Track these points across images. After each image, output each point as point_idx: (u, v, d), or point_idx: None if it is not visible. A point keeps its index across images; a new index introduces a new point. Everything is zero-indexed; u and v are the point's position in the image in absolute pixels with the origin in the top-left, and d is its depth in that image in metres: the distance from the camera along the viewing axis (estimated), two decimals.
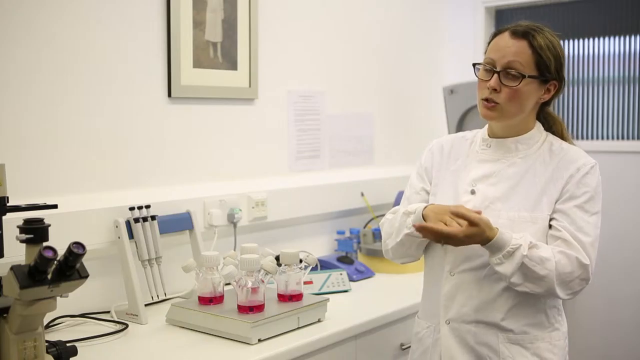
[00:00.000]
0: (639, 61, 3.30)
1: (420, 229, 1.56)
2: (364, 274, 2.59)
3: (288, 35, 2.73)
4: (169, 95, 2.30)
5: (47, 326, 1.90)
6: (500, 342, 1.66)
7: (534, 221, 1.63)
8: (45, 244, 1.38)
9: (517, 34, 1.65)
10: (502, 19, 3.65)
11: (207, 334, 1.87)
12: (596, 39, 3.40)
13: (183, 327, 1.93)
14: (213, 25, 2.42)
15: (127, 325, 1.94)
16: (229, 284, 1.94)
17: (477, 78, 1.71)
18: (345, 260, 2.61)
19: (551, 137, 1.75)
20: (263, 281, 1.88)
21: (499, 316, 1.65)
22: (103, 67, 2.12)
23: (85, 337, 1.81)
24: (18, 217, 1.49)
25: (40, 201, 1.64)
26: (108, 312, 2.05)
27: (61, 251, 1.36)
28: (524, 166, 1.70)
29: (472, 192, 1.72)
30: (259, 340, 1.81)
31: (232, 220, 2.44)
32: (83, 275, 1.41)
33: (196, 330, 1.90)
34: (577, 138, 3.48)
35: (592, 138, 3.46)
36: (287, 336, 1.87)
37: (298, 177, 2.79)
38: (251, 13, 2.54)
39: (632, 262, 3.31)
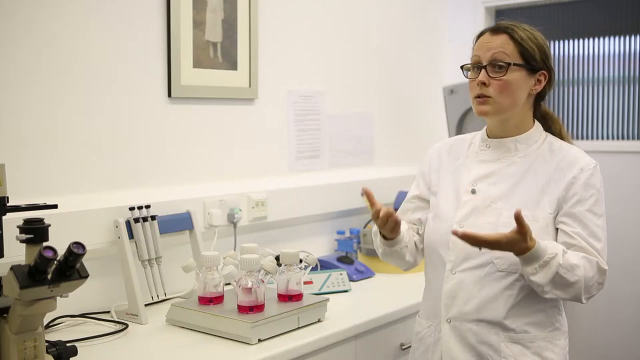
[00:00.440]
0: (639, 61, 3.31)
1: (463, 237, 1.53)
2: (364, 274, 2.59)
3: (288, 35, 2.73)
4: (169, 95, 2.30)
5: (47, 326, 1.90)
6: (501, 341, 1.66)
7: (535, 219, 1.64)
8: (45, 244, 1.38)
9: (498, 30, 1.71)
10: (502, 19, 3.64)
11: (207, 334, 1.87)
12: (596, 39, 3.40)
13: (183, 327, 1.93)
14: (213, 25, 2.42)
15: (127, 325, 1.94)
16: (229, 284, 1.94)
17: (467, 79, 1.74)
18: (345, 260, 2.61)
19: (551, 137, 1.75)
20: (263, 281, 1.88)
21: (500, 315, 1.66)
22: (103, 67, 2.12)
23: (85, 337, 1.81)
24: (18, 217, 1.49)
25: (40, 201, 1.64)
26: (108, 312, 2.05)
27: (61, 251, 1.36)
28: (524, 165, 1.71)
29: (473, 192, 1.72)
30: (259, 340, 1.81)
31: (232, 220, 2.44)
32: (83, 275, 1.41)
33: (196, 330, 1.90)
34: (577, 138, 3.49)
35: (592, 138, 3.46)
36: (287, 336, 1.87)
37: (298, 177, 2.79)
38: (251, 13, 2.54)
39: (632, 262, 3.31)
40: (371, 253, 2.71)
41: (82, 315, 2.01)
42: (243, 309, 1.85)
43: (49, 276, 1.36)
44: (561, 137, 1.77)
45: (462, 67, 1.76)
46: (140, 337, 1.88)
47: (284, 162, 2.74)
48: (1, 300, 1.43)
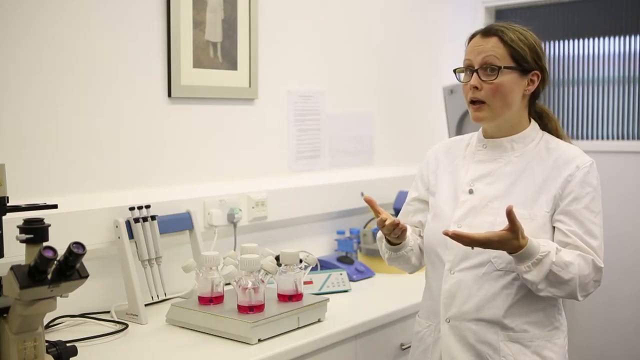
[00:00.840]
0: (639, 61, 3.31)
1: (455, 237, 1.55)
2: (364, 274, 2.59)
3: (288, 35, 2.73)
4: (169, 95, 2.30)
5: (47, 326, 1.90)
6: (501, 340, 1.66)
7: (533, 218, 1.64)
8: (45, 244, 1.38)
9: (488, 33, 1.71)
10: (502, 19, 3.64)
11: (207, 334, 1.87)
12: (596, 39, 3.40)
13: (183, 327, 1.93)
14: (213, 25, 2.42)
15: (127, 325, 1.94)
16: (229, 284, 1.94)
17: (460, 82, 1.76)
18: (345, 260, 2.61)
19: (547, 135, 1.76)
20: (263, 281, 1.88)
21: (499, 314, 1.66)
22: (103, 67, 2.12)
23: (85, 337, 1.81)
24: (18, 217, 1.49)
25: (40, 201, 1.64)
26: (108, 312, 2.05)
27: (61, 251, 1.36)
28: (520, 164, 1.71)
29: (470, 192, 1.73)
30: (259, 340, 1.81)
31: (232, 220, 2.44)
32: (83, 275, 1.41)
33: (196, 330, 1.90)
34: (577, 138, 3.49)
35: (592, 138, 3.46)
36: (287, 336, 1.87)
37: (298, 177, 2.79)
38: (251, 13, 2.54)
39: (632, 262, 3.31)
40: (371, 253, 2.71)
41: (82, 315, 2.01)
42: (243, 309, 1.85)
43: (49, 276, 1.36)
44: (557, 135, 1.78)
45: (454, 71, 1.77)
46: (140, 337, 1.88)
47: (284, 162, 2.74)
48: (1, 300, 1.43)
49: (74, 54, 2.05)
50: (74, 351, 1.55)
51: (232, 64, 2.50)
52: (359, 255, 2.80)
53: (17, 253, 1.50)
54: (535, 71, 1.70)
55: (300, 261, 2.04)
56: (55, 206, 1.60)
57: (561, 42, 3.50)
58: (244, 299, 1.85)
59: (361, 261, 2.70)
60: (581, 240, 1.61)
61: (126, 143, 2.20)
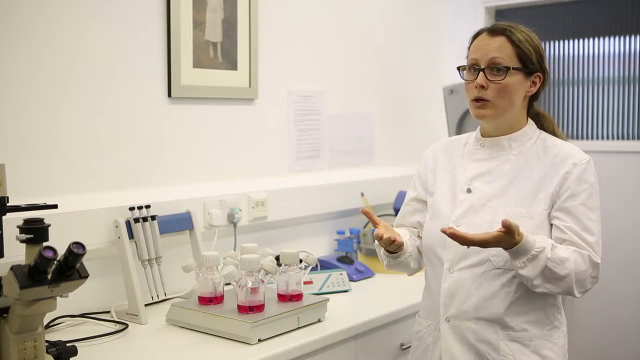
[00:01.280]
0: (639, 61, 3.31)
1: (452, 236, 1.55)
2: (364, 274, 2.59)
3: (288, 35, 2.73)
4: (169, 95, 2.30)
5: (47, 326, 1.90)
6: (500, 340, 1.67)
7: (531, 216, 1.65)
8: (45, 244, 1.38)
9: (496, 32, 1.70)
10: (502, 19, 3.63)
11: (207, 334, 1.87)
12: (596, 39, 3.40)
13: (183, 327, 1.93)
14: (213, 25, 2.42)
15: (127, 325, 1.94)
16: (229, 284, 1.94)
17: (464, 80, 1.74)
18: (345, 260, 2.61)
19: (544, 134, 1.77)
20: (263, 281, 1.88)
21: (499, 312, 1.66)
22: (103, 67, 2.12)
23: (85, 337, 1.81)
24: (18, 217, 1.49)
25: (40, 201, 1.64)
26: (108, 312, 2.05)
27: (61, 251, 1.36)
28: (518, 163, 1.72)
29: (469, 191, 1.73)
30: (259, 340, 1.81)
31: (232, 220, 2.44)
32: (83, 275, 1.41)
33: (196, 330, 1.90)
34: (577, 138, 3.49)
35: (592, 138, 3.46)
36: (287, 336, 1.87)
37: (298, 177, 2.79)
38: (251, 13, 2.54)
39: (632, 262, 3.31)
40: (371, 253, 2.71)
41: (82, 315, 2.01)
42: (243, 309, 1.85)
43: (49, 276, 1.36)
44: (554, 134, 1.78)
45: (458, 68, 1.76)
46: (140, 337, 1.88)
47: (284, 162, 2.74)
48: (1, 300, 1.43)
49: (74, 54, 2.05)
50: (74, 351, 1.55)
51: (232, 64, 2.50)
52: (359, 255, 2.80)
53: (17, 253, 1.50)
54: (538, 73, 1.71)
55: (300, 261, 2.04)
56: (55, 206, 1.60)
57: (561, 42, 3.50)
58: (244, 299, 1.85)
59: (361, 261, 2.70)
60: (577, 236, 1.61)
61: (126, 143, 2.20)
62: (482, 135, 1.78)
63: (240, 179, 2.56)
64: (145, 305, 2.05)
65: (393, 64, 3.28)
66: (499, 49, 1.67)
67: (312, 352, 1.87)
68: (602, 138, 3.43)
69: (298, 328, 1.92)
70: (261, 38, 2.60)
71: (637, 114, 3.34)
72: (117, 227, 2.05)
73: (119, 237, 2.05)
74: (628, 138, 3.37)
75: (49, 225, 1.46)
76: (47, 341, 1.50)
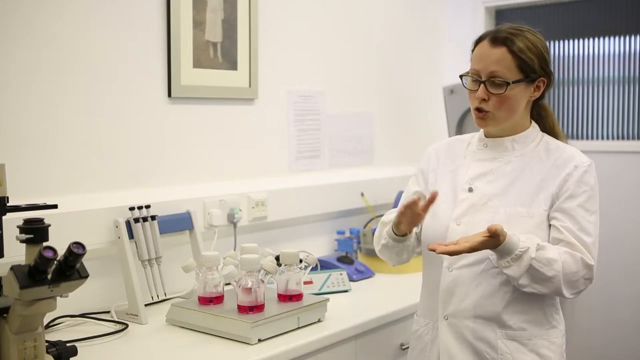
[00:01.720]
0: (639, 61, 3.31)
1: (441, 254, 1.59)
2: (364, 274, 2.59)
3: (288, 35, 2.73)
4: (169, 95, 2.30)
5: (47, 326, 1.90)
6: (498, 338, 1.67)
7: (531, 216, 1.66)
8: (45, 244, 1.38)
9: (496, 41, 1.66)
10: (502, 19, 3.65)
11: (207, 334, 1.87)
12: (596, 39, 3.40)
13: (183, 327, 1.93)
14: (213, 25, 2.42)
15: (127, 325, 1.94)
16: (229, 284, 1.94)
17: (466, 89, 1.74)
18: (345, 260, 2.61)
19: (547, 137, 1.77)
20: (263, 281, 1.88)
21: (497, 310, 1.67)
22: (103, 67, 2.12)
23: (85, 337, 1.81)
24: (18, 217, 1.49)
25: (40, 201, 1.64)
26: (108, 312, 2.05)
27: (61, 251, 1.36)
28: (520, 164, 1.72)
29: (470, 190, 1.74)
30: (259, 340, 1.81)
31: (232, 220, 2.44)
32: (83, 275, 1.41)
33: (196, 330, 1.90)
34: (577, 138, 3.49)
35: (592, 138, 3.46)
36: (287, 336, 1.87)
37: (298, 177, 2.79)
38: (251, 13, 2.54)
39: (632, 262, 3.31)
40: (371, 253, 2.71)
41: (82, 315, 2.01)
42: (243, 309, 1.85)
43: (49, 276, 1.36)
44: (554, 132, 1.78)
45: (461, 76, 1.74)
46: (140, 337, 1.88)
47: (284, 162, 2.74)
48: (1, 300, 1.43)
49: (74, 54, 2.05)
50: (74, 351, 1.55)
51: (232, 64, 2.50)
52: (359, 255, 2.80)
53: (17, 253, 1.50)
54: (542, 78, 1.69)
55: (300, 261, 2.04)
56: (55, 206, 1.60)
57: (561, 42, 3.50)
58: (244, 299, 1.85)
59: (361, 261, 2.70)
60: (574, 236, 1.62)
61: (126, 143, 2.20)
62: (486, 136, 1.79)
63: (240, 179, 2.56)
64: (145, 305, 2.05)
65: (393, 64, 3.28)
66: (499, 62, 1.65)
67: (312, 352, 1.87)
68: (602, 138, 3.43)
69: (298, 328, 1.92)
70: (261, 38, 2.60)
71: (637, 114, 3.34)
72: (117, 227, 2.05)
73: (119, 237, 2.05)
74: (628, 138, 3.37)
75: (49, 225, 1.46)
76: (47, 341, 1.50)
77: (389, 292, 2.43)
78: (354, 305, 2.24)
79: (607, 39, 3.37)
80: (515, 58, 1.65)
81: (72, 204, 1.99)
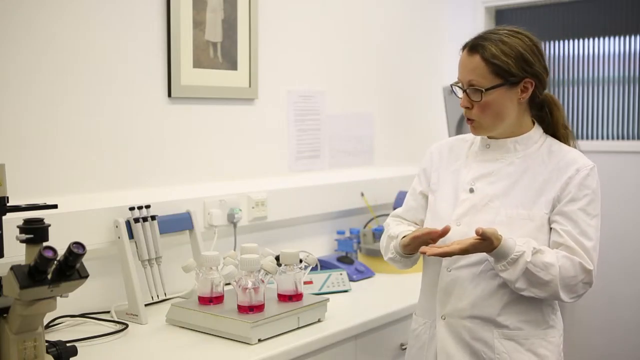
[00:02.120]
0: (639, 61, 3.31)
1: (434, 256, 1.60)
2: (364, 274, 2.59)
3: (288, 35, 2.73)
4: (169, 95, 2.30)
5: (47, 326, 1.90)
6: (495, 338, 1.67)
7: (532, 219, 1.65)
8: (45, 244, 1.38)
9: (472, 49, 1.68)
10: (502, 19, 3.65)
11: (207, 334, 1.88)
12: (596, 39, 3.40)
13: (183, 327, 1.93)
14: (213, 25, 2.42)
15: (127, 325, 1.94)
16: (229, 284, 1.94)
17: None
18: (345, 260, 2.61)
19: (550, 139, 1.76)
20: (263, 281, 1.88)
21: (494, 312, 1.67)
22: (103, 67, 2.12)
23: (85, 337, 1.81)
24: (18, 217, 1.49)
25: (40, 201, 1.64)
26: (108, 312, 2.05)
27: (61, 251, 1.36)
28: (522, 166, 1.72)
29: (471, 191, 1.74)
30: (259, 340, 1.81)
31: (232, 220, 2.44)
32: (83, 275, 1.41)
33: (196, 330, 1.90)
34: (577, 138, 3.47)
35: (592, 138, 3.46)
36: (287, 336, 1.87)
37: (298, 177, 2.79)
38: (251, 13, 2.54)
39: (632, 262, 3.31)
40: (371, 253, 2.71)
41: (82, 315, 2.01)
42: (243, 309, 1.85)
43: (49, 276, 1.36)
44: (563, 127, 1.76)
45: (451, 86, 1.76)
46: (140, 337, 1.88)
47: (284, 162, 2.74)
48: (1, 300, 1.43)
49: (74, 54, 2.05)
50: (74, 351, 1.55)
51: (232, 64, 2.50)
52: (359, 255, 2.80)
53: (17, 253, 1.50)
54: (527, 79, 1.67)
55: (300, 261, 2.04)
56: (55, 206, 1.60)
57: (561, 42, 3.50)
58: (244, 299, 1.85)
59: (361, 261, 2.70)
60: (574, 240, 1.61)
61: (126, 143, 2.20)
62: (488, 137, 1.78)
63: (240, 179, 2.56)
64: (145, 305, 2.05)
65: (393, 64, 3.28)
66: (474, 70, 1.66)
67: (312, 352, 1.87)
68: (602, 138, 3.43)
69: (298, 328, 1.92)
70: (261, 38, 2.60)
71: (637, 114, 3.34)
72: (117, 227, 2.05)
73: (119, 237, 2.05)
74: (628, 138, 3.37)
75: (49, 225, 1.46)
76: (47, 341, 1.50)
77: (389, 292, 2.43)
78: (354, 305, 2.24)
79: (606, 39, 3.37)
80: (488, 64, 1.65)
81: (72, 204, 1.99)
